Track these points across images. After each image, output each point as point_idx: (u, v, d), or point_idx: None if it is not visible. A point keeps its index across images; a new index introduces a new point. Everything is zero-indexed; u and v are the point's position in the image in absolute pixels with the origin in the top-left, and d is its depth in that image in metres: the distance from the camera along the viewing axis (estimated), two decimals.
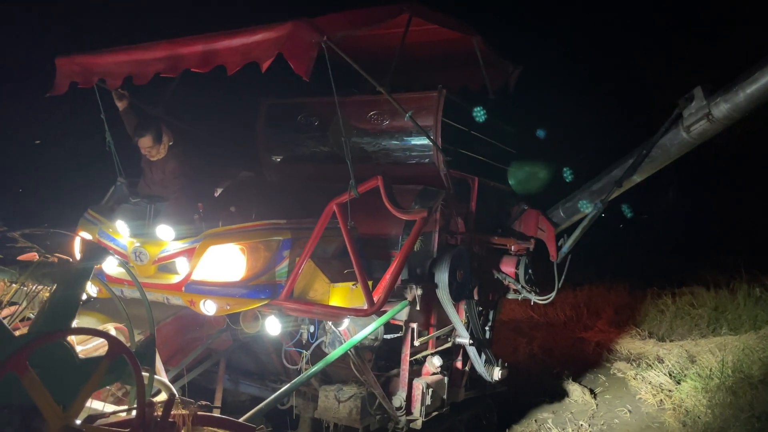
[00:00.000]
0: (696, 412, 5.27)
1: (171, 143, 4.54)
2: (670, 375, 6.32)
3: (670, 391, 5.99)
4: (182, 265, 3.97)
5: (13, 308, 3.01)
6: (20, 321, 3.00)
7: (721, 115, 4.43)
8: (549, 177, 5.80)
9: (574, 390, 6.37)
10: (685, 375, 6.19)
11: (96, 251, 2.61)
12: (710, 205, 13.64)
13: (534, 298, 5.43)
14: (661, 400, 5.89)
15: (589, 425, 5.61)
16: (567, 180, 5.59)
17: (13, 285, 2.63)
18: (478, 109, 5.18)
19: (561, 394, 6.34)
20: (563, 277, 5.45)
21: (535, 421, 5.77)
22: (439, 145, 4.55)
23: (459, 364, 5.05)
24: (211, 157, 5.15)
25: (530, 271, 5.41)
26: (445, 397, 4.70)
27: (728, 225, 13.11)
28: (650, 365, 6.74)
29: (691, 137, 4.69)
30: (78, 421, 2.26)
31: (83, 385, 2.29)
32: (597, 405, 6.14)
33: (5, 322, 2.43)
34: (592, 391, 6.43)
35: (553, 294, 5.43)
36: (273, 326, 3.99)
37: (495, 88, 5.76)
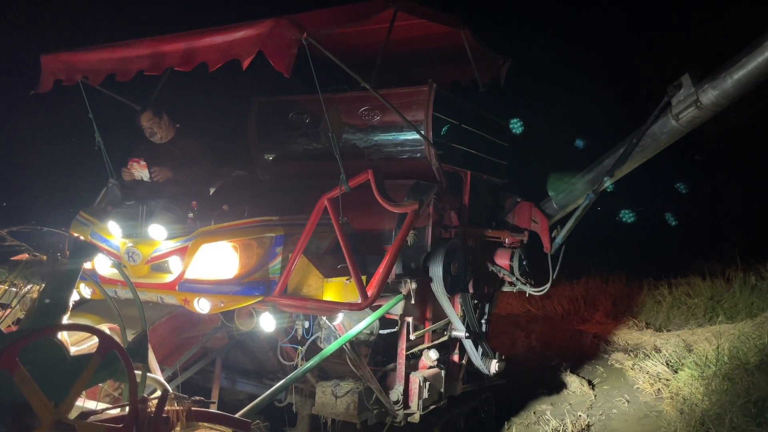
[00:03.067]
0: (693, 400, 5.27)
1: (178, 125, 4.65)
2: (668, 364, 6.33)
3: (667, 380, 6.00)
4: (175, 264, 3.95)
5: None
6: (13, 324, 2.99)
7: (710, 101, 4.44)
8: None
9: (573, 381, 6.38)
10: (682, 364, 6.19)
11: (84, 248, 2.61)
12: (704, 195, 13.70)
13: (529, 290, 5.45)
14: (659, 389, 5.89)
15: (588, 416, 5.61)
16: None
17: (2, 285, 2.63)
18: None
19: (559, 386, 6.36)
20: (557, 268, 5.48)
21: (534, 413, 5.77)
22: (431, 139, 4.55)
23: (456, 358, 5.05)
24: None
25: (524, 263, 5.44)
26: (442, 390, 4.70)
27: (722, 214, 13.16)
28: (648, 355, 6.75)
29: (680, 125, 4.70)
30: (70, 417, 2.26)
31: (75, 382, 2.29)
32: (595, 396, 6.15)
33: None
34: (590, 382, 6.44)
35: (548, 285, 5.45)
36: (268, 323, 3.97)
37: (486, 82, 5.77)
